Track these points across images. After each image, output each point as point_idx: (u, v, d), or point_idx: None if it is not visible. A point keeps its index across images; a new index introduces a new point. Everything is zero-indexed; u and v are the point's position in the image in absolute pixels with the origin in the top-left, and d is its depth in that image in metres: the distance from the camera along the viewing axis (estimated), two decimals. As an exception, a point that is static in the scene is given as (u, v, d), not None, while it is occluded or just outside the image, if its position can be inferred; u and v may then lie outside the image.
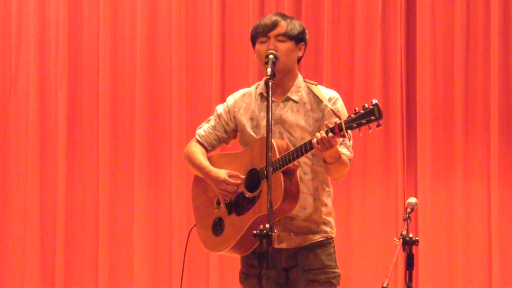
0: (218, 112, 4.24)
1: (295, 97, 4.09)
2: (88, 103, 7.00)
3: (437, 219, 6.50)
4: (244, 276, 4.16)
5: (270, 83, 3.90)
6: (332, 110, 3.89)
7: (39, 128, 7.01)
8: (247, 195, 4.03)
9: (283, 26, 4.07)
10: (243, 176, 4.05)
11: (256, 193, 3.99)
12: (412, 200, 3.99)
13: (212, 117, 4.26)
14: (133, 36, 6.95)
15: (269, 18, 4.11)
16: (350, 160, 4.04)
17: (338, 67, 6.67)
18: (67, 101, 6.99)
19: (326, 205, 4.12)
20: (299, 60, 4.14)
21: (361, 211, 6.58)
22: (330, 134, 3.76)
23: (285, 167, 3.87)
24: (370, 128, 3.73)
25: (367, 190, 6.60)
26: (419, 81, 6.53)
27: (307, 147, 3.85)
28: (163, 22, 6.93)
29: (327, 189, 4.14)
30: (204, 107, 6.74)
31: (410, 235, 3.74)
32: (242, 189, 4.05)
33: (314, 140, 3.80)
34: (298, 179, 3.95)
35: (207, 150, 4.25)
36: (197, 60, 6.86)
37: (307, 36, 4.15)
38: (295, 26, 4.08)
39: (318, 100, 4.08)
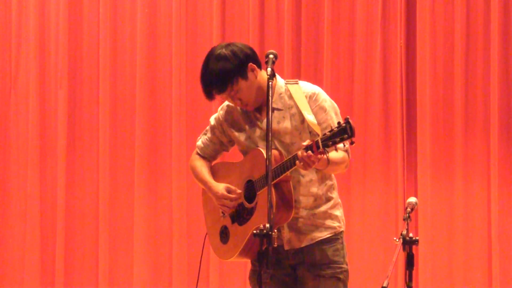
0: (212, 124, 4.26)
1: (278, 106, 4.07)
2: (88, 103, 7.00)
3: (437, 219, 6.50)
4: (252, 272, 4.18)
5: (270, 83, 3.90)
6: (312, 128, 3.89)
7: (39, 128, 7.01)
8: (246, 206, 4.06)
9: (219, 89, 3.97)
10: (239, 191, 4.08)
11: (252, 204, 4.03)
12: (412, 200, 3.99)
13: (208, 128, 4.28)
14: (133, 36, 6.95)
15: (206, 89, 4.00)
16: (347, 152, 4.02)
17: (338, 67, 6.67)
18: (67, 101, 6.99)
19: (329, 199, 4.11)
20: (260, 67, 4.05)
21: (361, 211, 6.59)
22: (309, 151, 3.76)
23: (275, 180, 3.87)
24: (353, 142, 3.71)
25: (367, 190, 6.60)
26: (419, 81, 6.53)
27: (291, 163, 3.85)
28: (163, 22, 6.93)
29: (329, 183, 4.13)
30: (204, 107, 6.73)
31: (410, 235, 3.74)
32: (241, 199, 4.08)
33: (297, 161, 3.80)
34: (291, 188, 3.95)
35: (208, 161, 4.30)
36: (197, 60, 6.82)
37: (248, 52, 4.01)
38: (225, 74, 3.94)
39: (302, 98, 4.05)
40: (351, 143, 3.71)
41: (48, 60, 7.05)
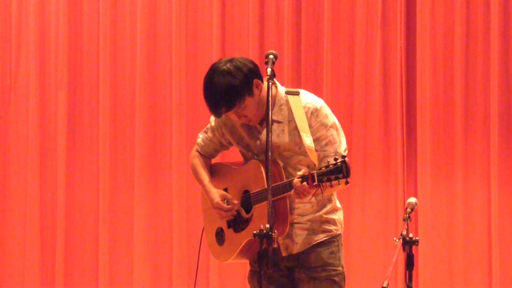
0: (212, 124, 4.23)
1: (278, 118, 4.04)
2: (88, 103, 7.01)
3: (437, 219, 6.50)
4: (252, 273, 4.19)
5: (270, 83, 3.89)
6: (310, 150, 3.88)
7: (39, 128, 7.01)
8: (242, 215, 4.07)
9: (227, 106, 3.93)
10: (236, 202, 4.08)
11: (249, 215, 4.03)
12: (412, 200, 3.99)
13: (209, 127, 4.26)
14: (133, 36, 6.95)
15: (213, 108, 3.96)
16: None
17: (338, 67, 6.67)
18: (67, 101, 7.00)
19: (325, 205, 4.11)
20: (263, 80, 4.00)
21: (361, 211, 6.59)
22: (305, 183, 3.76)
23: (271, 199, 3.85)
24: (348, 182, 3.73)
25: (367, 190, 6.60)
26: (419, 81, 6.53)
27: (288, 188, 3.84)
28: (163, 22, 6.93)
29: None
30: (204, 107, 6.69)
31: (410, 235, 3.74)
32: (238, 207, 4.08)
33: (292, 191, 3.81)
34: (287, 204, 3.93)
35: (208, 159, 4.30)
36: (197, 60, 6.86)
37: (251, 68, 3.95)
38: (233, 91, 3.89)
39: (302, 114, 4.01)
40: (346, 183, 3.72)
41: (48, 60, 7.05)
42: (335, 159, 3.71)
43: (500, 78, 6.44)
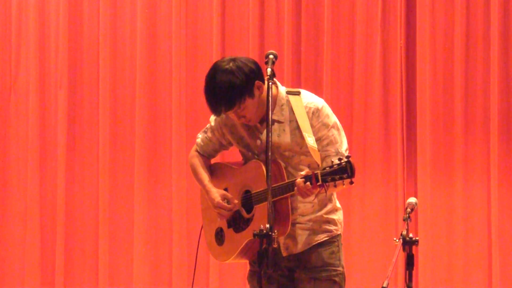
0: (212, 124, 4.23)
1: (279, 118, 4.03)
2: (88, 103, 7.01)
3: (437, 219, 6.50)
4: (251, 273, 4.20)
5: (270, 83, 3.89)
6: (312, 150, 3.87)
7: (39, 128, 7.02)
8: (243, 215, 4.06)
9: (227, 106, 3.91)
10: (236, 201, 4.08)
11: (250, 215, 4.03)
12: (412, 200, 3.99)
13: (208, 127, 4.26)
14: (133, 36, 6.95)
15: (213, 106, 3.95)
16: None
17: (338, 67, 6.67)
18: (67, 101, 7.00)
19: (326, 205, 4.11)
20: (264, 81, 3.99)
21: (361, 211, 6.59)
22: (308, 183, 3.76)
23: (273, 199, 3.82)
24: (352, 182, 3.72)
25: (367, 190, 6.60)
26: (419, 81, 6.53)
27: (291, 188, 3.84)
28: (163, 22, 6.93)
29: None
30: (204, 107, 6.64)
31: (410, 235, 3.74)
32: (239, 207, 4.08)
33: (295, 189, 3.81)
34: (289, 203, 3.92)
35: (208, 159, 4.30)
36: (197, 60, 6.86)
37: (253, 68, 3.94)
38: (234, 92, 3.88)
39: (303, 114, 4.01)
40: (350, 183, 3.72)
41: (48, 60, 7.05)
42: (339, 159, 3.71)
43: (500, 78, 6.44)
